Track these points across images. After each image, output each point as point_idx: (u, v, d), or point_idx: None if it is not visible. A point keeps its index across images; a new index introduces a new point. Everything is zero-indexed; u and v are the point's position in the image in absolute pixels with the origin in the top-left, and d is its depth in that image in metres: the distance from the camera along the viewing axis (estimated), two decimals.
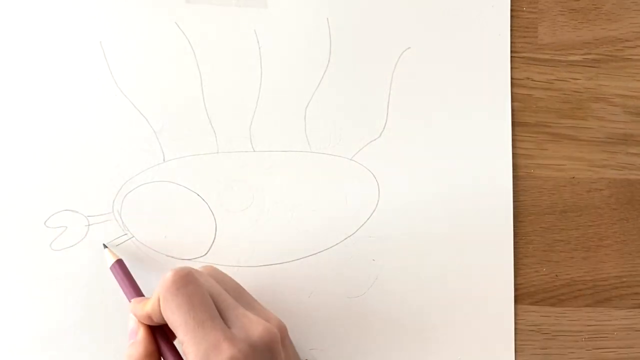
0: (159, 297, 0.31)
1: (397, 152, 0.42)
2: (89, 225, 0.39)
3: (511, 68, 0.43)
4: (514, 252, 0.42)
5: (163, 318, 0.32)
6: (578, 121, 0.44)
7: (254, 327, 0.31)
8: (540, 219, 0.42)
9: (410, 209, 0.41)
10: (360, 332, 0.40)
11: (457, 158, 0.42)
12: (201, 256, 0.40)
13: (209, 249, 0.40)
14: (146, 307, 0.33)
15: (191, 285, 0.31)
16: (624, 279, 0.43)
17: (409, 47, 0.43)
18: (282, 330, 0.33)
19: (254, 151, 0.41)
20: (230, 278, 0.35)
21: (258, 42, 0.42)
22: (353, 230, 0.41)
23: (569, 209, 0.43)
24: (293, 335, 0.39)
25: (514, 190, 0.42)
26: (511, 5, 0.44)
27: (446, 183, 0.42)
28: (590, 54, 0.44)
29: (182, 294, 0.31)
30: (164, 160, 0.40)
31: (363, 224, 0.41)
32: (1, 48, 0.40)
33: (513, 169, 0.42)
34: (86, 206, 0.39)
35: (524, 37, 0.44)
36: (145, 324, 0.33)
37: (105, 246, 0.39)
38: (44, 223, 0.39)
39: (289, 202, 0.41)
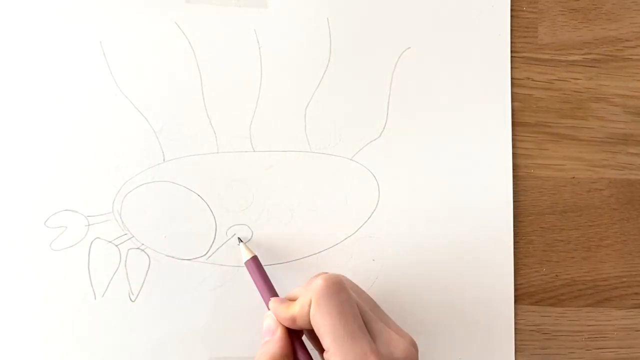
0: (311, 300, 0.31)
1: (397, 152, 0.42)
2: (89, 225, 0.39)
3: (511, 68, 0.43)
4: (514, 252, 0.42)
5: (306, 322, 0.31)
6: (578, 121, 0.44)
7: (396, 344, 0.31)
8: (540, 219, 0.42)
9: (410, 209, 0.41)
10: None
11: (457, 158, 0.42)
12: (201, 256, 0.40)
13: (209, 249, 0.40)
14: (292, 309, 0.32)
15: (343, 293, 0.31)
16: (624, 279, 0.43)
17: (409, 47, 0.43)
18: (417, 350, 0.32)
19: (254, 151, 0.41)
20: (363, 290, 0.35)
21: (258, 42, 0.42)
22: (353, 230, 0.41)
23: (569, 209, 0.43)
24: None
25: (514, 190, 0.42)
26: (511, 5, 0.44)
27: (446, 183, 0.42)
28: (590, 54, 0.44)
29: (334, 300, 0.31)
30: (164, 160, 0.40)
31: (363, 224, 0.41)
32: (1, 48, 0.40)
33: (513, 169, 0.42)
34: (86, 206, 0.39)
35: (524, 37, 0.44)
36: (284, 325, 0.33)
37: (240, 240, 0.39)
38: (44, 223, 0.39)
39: (289, 202, 0.41)
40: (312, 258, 0.40)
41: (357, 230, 0.41)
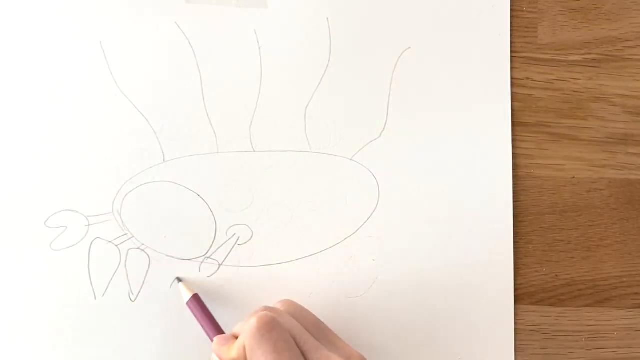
0: (244, 344, 0.31)
1: (397, 152, 0.42)
2: (89, 225, 0.39)
3: (511, 68, 0.43)
4: (514, 252, 0.42)
5: None
6: (578, 121, 0.44)
7: None
8: (540, 219, 0.42)
9: (410, 209, 0.41)
10: (360, 332, 0.40)
11: (457, 158, 0.42)
12: (201, 256, 0.40)
13: (209, 249, 0.40)
14: (231, 352, 0.33)
15: (275, 331, 0.31)
16: (624, 279, 0.43)
17: (409, 47, 0.43)
18: None
19: (254, 151, 0.41)
20: (308, 312, 0.35)
21: (258, 42, 0.42)
22: (353, 230, 0.41)
23: (569, 209, 0.43)
24: None
25: (514, 190, 0.42)
26: (511, 5, 0.44)
27: (446, 183, 0.42)
28: (590, 54, 0.44)
29: (266, 341, 0.31)
30: (164, 160, 0.40)
31: (363, 224, 0.41)
32: (1, 48, 0.40)
33: (513, 169, 0.42)
34: (86, 206, 0.39)
35: (524, 37, 0.44)
36: None
37: (179, 280, 0.39)
38: (44, 223, 0.39)
39: (289, 202, 0.41)
40: (312, 258, 0.40)
41: (357, 230, 0.41)
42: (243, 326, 0.33)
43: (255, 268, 0.40)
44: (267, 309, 0.34)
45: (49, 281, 0.39)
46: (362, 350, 0.35)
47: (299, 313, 0.35)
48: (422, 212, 0.41)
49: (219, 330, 0.36)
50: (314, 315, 0.35)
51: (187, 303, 0.38)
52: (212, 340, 0.35)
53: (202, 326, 0.37)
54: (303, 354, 0.32)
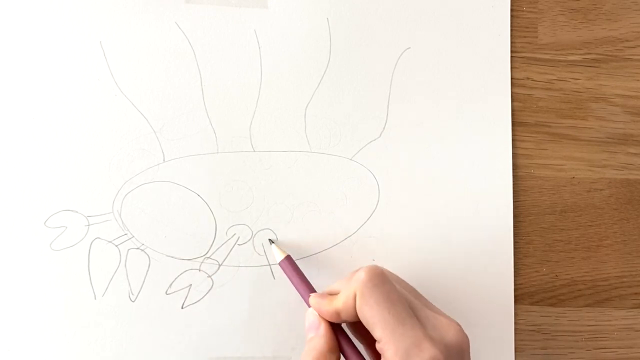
0: (356, 293, 0.31)
1: (397, 152, 0.42)
2: (89, 225, 0.39)
3: (511, 68, 0.43)
4: (514, 252, 0.42)
5: (352, 315, 0.32)
6: (578, 121, 0.44)
7: (446, 329, 0.31)
8: (540, 219, 0.42)
9: (410, 209, 0.41)
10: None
11: (457, 158, 0.42)
12: (201, 256, 0.40)
13: (209, 249, 0.40)
14: (335, 302, 0.33)
15: (387, 283, 0.31)
16: (624, 279, 0.43)
17: (409, 47, 0.43)
18: (465, 333, 0.33)
19: (254, 151, 0.41)
20: (404, 281, 0.35)
21: (258, 42, 0.42)
22: (353, 230, 0.41)
23: (569, 209, 0.43)
24: (294, 336, 0.39)
25: (514, 190, 0.42)
26: (511, 5, 0.44)
27: (446, 183, 0.42)
28: (590, 54, 0.44)
29: (379, 291, 0.31)
30: (164, 160, 0.40)
31: (363, 224, 0.41)
32: (1, 48, 0.40)
33: (513, 169, 0.42)
34: (86, 206, 0.39)
35: (524, 37, 0.44)
36: (327, 320, 0.33)
37: (271, 242, 0.39)
38: (44, 223, 0.39)
39: (289, 202, 0.41)
40: (312, 258, 0.40)
41: (357, 230, 0.41)
42: (349, 279, 0.32)
43: (255, 268, 0.40)
44: (377, 265, 0.33)
45: (49, 281, 0.39)
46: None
47: (397, 278, 0.34)
48: (422, 212, 0.41)
49: (312, 289, 0.36)
50: (409, 284, 0.35)
51: (280, 263, 0.38)
52: (305, 299, 0.35)
53: (295, 285, 0.37)
54: (412, 311, 0.31)
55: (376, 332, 0.30)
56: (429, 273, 0.41)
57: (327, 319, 0.33)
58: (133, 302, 0.39)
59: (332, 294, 0.34)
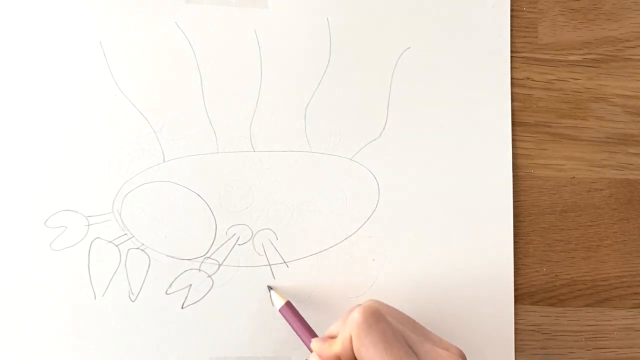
0: (351, 335, 0.31)
1: (397, 152, 0.42)
2: (89, 225, 0.39)
3: (511, 68, 0.43)
4: (514, 252, 0.42)
5: (351, 358, 0.31)
6: (578, 121, 0.44)
7: None
8: (540, 219, 0.42)
9: (410, 209, 0.41)
10: None
11: (457, 158, 0.42)
12: (201, 256, 0.40)
13: (209, 249, 0.40)
14: (334, 347, 0.32)
15: (382, 321, 0.31)
16: (624, 279, 0.43)
17: (409, 47, 0.43)
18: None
19: (254, 151, 0.41)
20: (399, 311, 0.34)
21: (258, 42, 0.42)
22: (353, 230, 0.41)
23: (569, 209, 0.43)
24: (294, 336, 0.39)
25: (514, 190, 0.42)
26: (511, 5, 0.44)
27: (446, 183, 0.42)
28: (590, 54, 0.44)
29: (375, 331, 0.30)
30: (164, 160, 0.40)
31: (363, 224, 0.41)
32: (1, 48, 0.40)
33: (513, 169, 0.42)
34: (86, 206, 0.39)
35: (524, 37, 0.44)
36: None
37: (270, 288, 0.39)
38: (44, 223, 0.39)
39: (289, 202, 0.41)
40: (312, 258, 0.40)
41: (357, 230, 0.41)
42: (345, 320, 0.32)
43: (255, 268, 0.40)
44: (371, 303, 0.33)
45: (49, 281, 0.39)
46: None
47: (391, 311, 0.34)
48: (422, 212, 0.41)
49: (312, 334, 0.36)
50: (404, 314, 0.35)
51: (280, 310, 0.38)
52: (307, 344, 0.35)
53: (296, 331, 0.37)
54: (409, 347, 0.31)
55: None
56: (428, 273, 0.41)
57: None
58: (133, 302, 0.39)
59: (332, 337, 0.34)
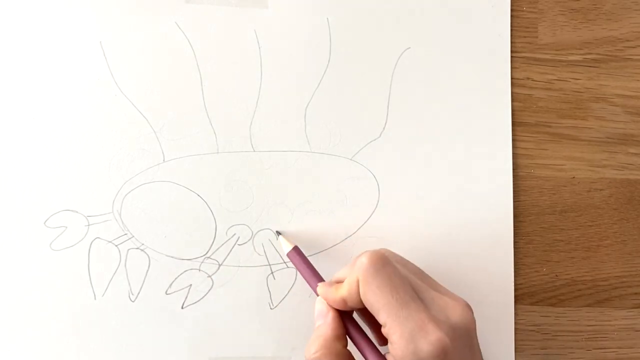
0: (358, 279, 0.31)
1: (397, 152, 0.42)
2: (89, 225, 0.39)
3: (511, 68, 0.43)
4: (514, 252, 0.42)
5: (357, 302, 0.32)
6: (578, 121, 0.44)
7: (452, 310, 0.31)
8: (540, 219, 0.42)
9: (410, 209, 0.41)
10: None
11: (457, 158, 0.42)
12: (201, 256, 0.40)
13: (209, 249, 0.40)
14: (341, 290, 0.33)
15: (389, 266, 0.31)
16: (624, 279, 0.43)
17: (409, 47, 0.43)
18: (472, 311, 0.32)
19: (254, 151, 0.41)
20: (409, 261, 0.35)
21: (258, 42, 0.42)
22: (353, 230, 0.41)
23: (569, 209, 0.43)
24: (294, 336, 0.39)
25: (514, 190, 0.42)
26: (511, 5, 0.44)
27: (446, 183, 0.42)
28: (590, 54, 0.44)
29: (381, 275, 0.31)
30: (164, 160, 0.40)
31: (363, 224, 0.41)
32: (1, 48, 0.40)
33: (513, 169, 0.42)
34: (86, 206, 0.39)
35: (524, 37, 0.44)
36: (334, 308, 0.33)
37: (278, 233, 0.39)
38: (44, 223, 0.39)
39: (289, 202, 0.41)
40: (312, 258, 0.40)
41: (357, 230, 0.41)
42: (352, 265, 0.32)
43: (256, 268, 0.40)
44: (379, 249, 0.33)
45: (49, 281, 0.39)
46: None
47: (401, 259, 0.34)
48: (422, 212, 0.41)
49: (319, 278, 0.36)
50: (414, 264, 0.35)
51: (288, 254, 0.38)
52: (313, 288, 0.36)
53: (303, 275, 0.37)
54: (416, 293, 0.31)
55: (381, 316, 0.30)
56: (428, 273, 0.41)
57: (335, 307, 0.34)
58: (133, 302, 0.39)
59: (339, 282, 0.34)
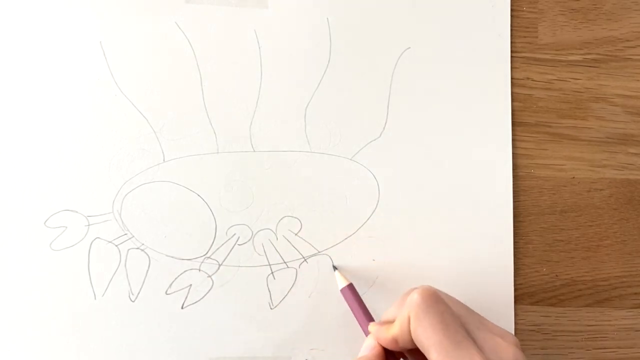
0: (409, 316, 0.31)
1: (397, 152, 0.42)
2: (89, 225, 0.39)
3: (511, 68, 0.43)
4: (514, 252, 0.42)
5: (408, 341, 0.31)
6: (578, 121, 0.44)
7: (504, 350, 0.30)
8: (540, 219, 0.42)
9: (410, 209, 0.41)
10: (360, 332, 0.40)
11: (457, 158, 0.42)
12: (201, 256, 0.40)
13: (209, 249, 0.40)
14: (393, 329, 0.32)
15: (441, 304, 0.31)
16: (624, 279, 0.43)
17: (409, 47, 0.43)
18: (521, 349, 0.31)
19: (254, 151, 0.41)
20: (454, 298, 0.34)
21: (258, 42, 0.42)
22: (353, 230, 0.41)
23: (569, 209, 0.43)
24: (294, 336, 0.39)
25: (514, 190, 0.42)
26: (511, 5, 0.44)
27: (446, 183, 0.42)
28: (590, 54, 0.44)
29: (433, 313, 0.30)
30: (164, 160, 0.40)
31: (363, 224, 0.41)
32: (1, 48, 0.40)
33: (513, 169, 0.42)
34: (86, 206, 0.39)
35: (524, 37, 0.44)
36: (382, 347, 0.33)
37: (335, 268, 0.40)
38: (44, 223, 0.39)
39: (289, 202, 0.41)
40: (312, 258, 0.40)
41: (357, 230, 0.41)
42: (401, 304, 0.32)
43: (255, 268, 0.40)
44: (430, 286, 0.33)
45: (49, 281, 0.39)
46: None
47: (449, 298, 0.34)
48: (422, 212, 0.41)
49: (370, 318, 0.37)
50: (457, 299, 0.34)
51: (341, 290, 0.38)
52: (363, 328, 0.36)
53: (355, 313, 0.37)
54: (467, 333, 0.31)
55: (431, 355, 0.30)
56: (428, 273, 0.41)
57: (386, 346, 0.33)
58: (133, 302, 0.39)
59: (389, 322, 0.33)
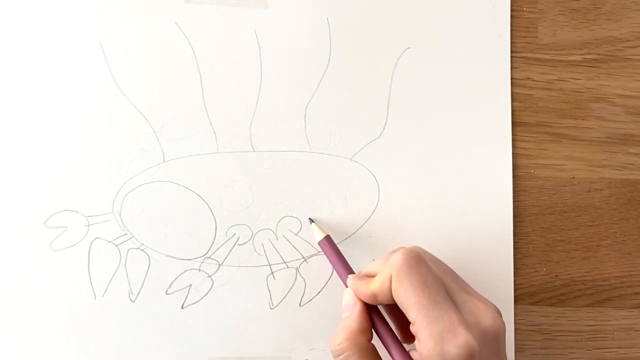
0: (392, 275, 0.31)
1: (397, 152, 0.42)
2: (89, 225, 0.39)
3: (511, 68, 0.43)
4: (514, 252, 0.42)
5: (387, 298, 0.32)
6: (578, 121, 0.44)
7: (483, 314, 0.31)
8: (540, 219, 0.42)
9: (410, 208, 0.41)
10: None
11: (457, 158, 0.42)
12: (201, 256, 0.40)
13: (209, 249, 0.40)
14: (372, 285, 0.33)
15: (423, 265, 0.31)
16: (624, 279, 0.43)
17: (409, 47, 0.43)
18: (501, 316, 0.32)
19: (254, 151, 0.41)
20: (442, 261, 0.34)
21: (258, 42, 0.42)
22: (353, 230, 0.41)
23: (569, 209, 0.43)
24: (294, 336, 0.39)
25: (514, 190, 0.42)
26: (511, 5, 0.44)
27: (446, 183, 0.42)
28: (590, 54, 0.44)
29: (415, 273, 0.31)
30: (164, 160, 0.40)
31: (363, 224, 0.41)
32: (1, 48, 0.40)
33: (513, 169, 0.42)
34: (86, 206, 0.39)
35: (524, 37, 0.44)
36: (363, 301, 0.33)
37: (311, 221, 0.40)
38: (44, 223, 0.39)
39: (289, 202, 0.41)
40: (312, 258, 0.40)
41: (357, 230, 0.41)
42: (385, 261, 0.32)
43: (255, 268, 0.40)
44: (414, 247, 0.33)
45: (49, 281, 0.39)
46: None
47: (434, 259, 0.34)
48: (422, 212, 0.41)
49: (349, 270, 0.36)
50: (447, 265, 0.35)
51: (319, 242, 0.38)
52: (343, 279, 0.36)
53: (333, 265, 0.37)
54: (448, 294, 0.31)
55: (411, 314, 0.30)
56: None
57: (364, 300, 0.33)
58: (133, 302, 0.39)
59: (370, 276, 0.34)
